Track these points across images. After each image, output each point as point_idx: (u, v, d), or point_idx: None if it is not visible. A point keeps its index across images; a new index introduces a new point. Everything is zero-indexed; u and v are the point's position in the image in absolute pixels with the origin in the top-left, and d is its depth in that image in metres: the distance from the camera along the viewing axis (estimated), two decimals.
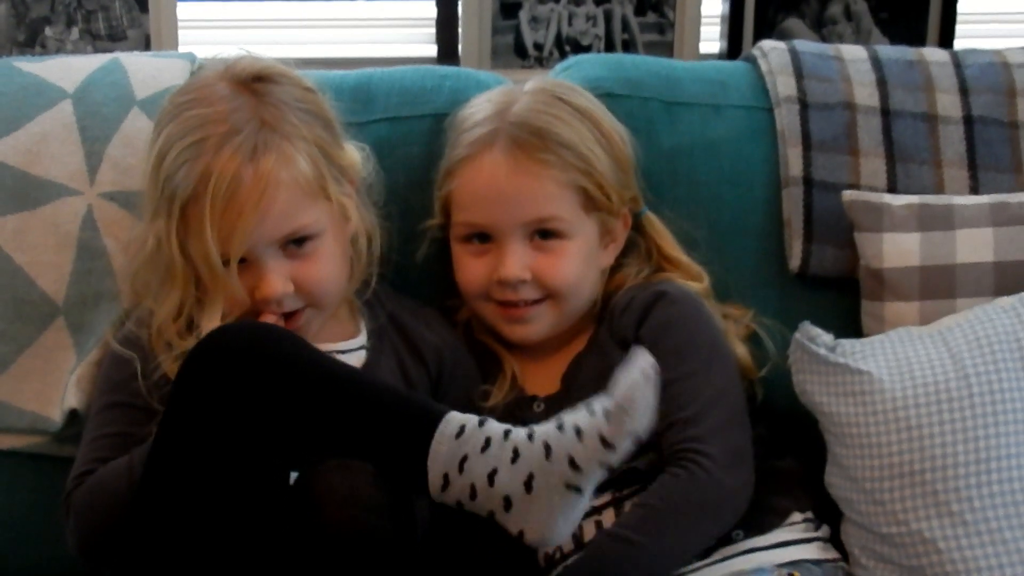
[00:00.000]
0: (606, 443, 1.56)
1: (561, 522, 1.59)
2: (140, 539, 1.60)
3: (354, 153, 1.89)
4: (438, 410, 1.64)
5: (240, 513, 1.59)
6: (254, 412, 1.59)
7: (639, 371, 1.57)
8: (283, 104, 1.80)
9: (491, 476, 1.58)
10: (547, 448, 1.58)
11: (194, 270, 1.78)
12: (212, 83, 1.81)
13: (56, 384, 1.93)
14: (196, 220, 1.73)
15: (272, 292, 1.76)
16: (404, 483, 1.61)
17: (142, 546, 1.60)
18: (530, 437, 1.60)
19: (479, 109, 1.94)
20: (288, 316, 1.80)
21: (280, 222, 1.76)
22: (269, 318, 1.78)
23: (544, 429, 1.60)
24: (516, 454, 1.59)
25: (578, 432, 1.58)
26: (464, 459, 1.59)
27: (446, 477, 1.59)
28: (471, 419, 1.62)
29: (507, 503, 1.58)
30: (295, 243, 1.78)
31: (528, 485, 1.58)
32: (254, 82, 1.81)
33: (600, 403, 1.58)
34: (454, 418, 1.62)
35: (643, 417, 1.57)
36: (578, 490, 1.58)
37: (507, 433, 1.61)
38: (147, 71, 2.05)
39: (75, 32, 2.81)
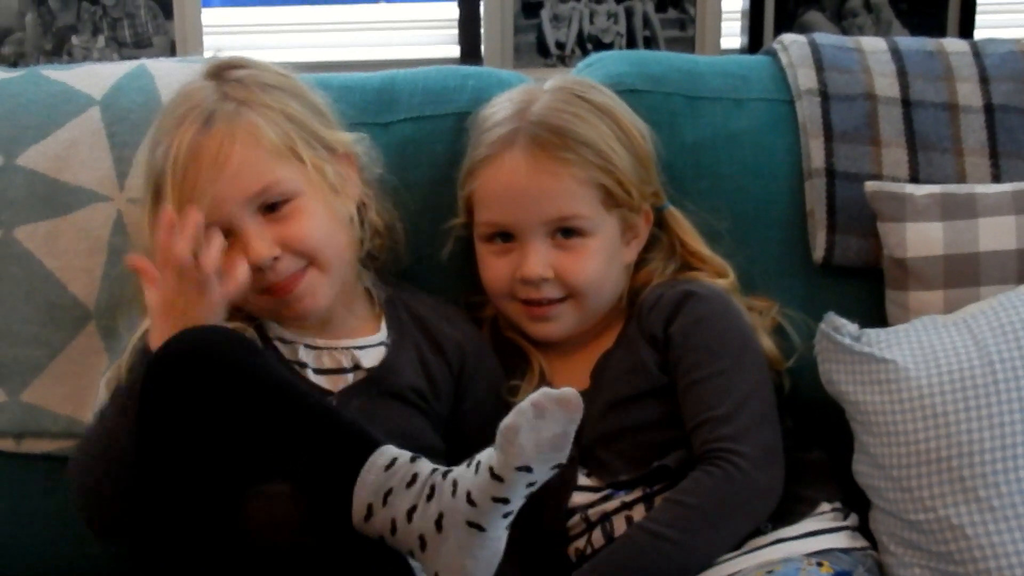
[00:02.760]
0: (494, 475, 1.54)
1: (470, 564, 1.56)
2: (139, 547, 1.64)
3: (346, 135, 1.90)
4: (375, 439, 1.62)
5: (189, 519, 1.60)
6: (200, 417, 1.60)
7: (529, 401, 1.52)
8: (248, 80, 1.83)
9: (410, 512, 1.57)
10: (454, 485, 1.56)
11: None
12: (192, 80, 1.85)
13: (90, 388, 1.95)
14: (165, 192, 1.75)
15: (257, 254, 1.76)
16: (329, 507, 1.60)
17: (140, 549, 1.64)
18: (445, 475, 1.58)
19: (500, 109, 1.95)
20: (294, 276, 1.79)
21: (243, 179, 1.76)
22: (283, 291, 1.78)
23: (459, 467, 1.58)
24: (432, 491, 1.57)
25: (476, 467, 1.56)
26: (389, 492, 1.58)
27: (370, 508, 1.58)
28: (405, 454, 1.60)
29: (422, 542, 1.57)
30: (271, 208, 1.78)
31: (439, 524, 1.56)
32: (223, 70, 1.84)
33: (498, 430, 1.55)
34: (388, 451, 1.61)
35: (530, 451, 1.52)
36: (480, 528, 1.55)
37: (433, 471, 1.59)
38: (173, 76, 2.05)
39: (101, 40, 2.83)
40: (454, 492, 1.56)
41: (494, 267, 1.93)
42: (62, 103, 2.03)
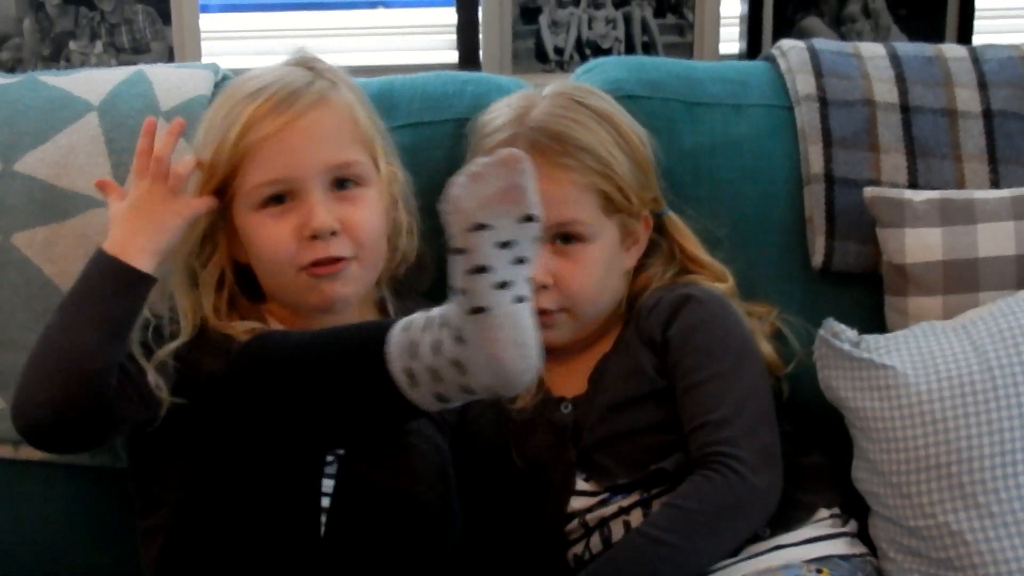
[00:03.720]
0: (457, 250, 1.52)
1: (505, 352, 1.52)
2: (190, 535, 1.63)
3: (402, 169, 1.93)
4: (389, 322, 1.61)
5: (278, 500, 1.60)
6: (277, 409, 1.60)
7: (462, 172, 1.53)
8: (339, 73, 1.89)
9: (435, 347, 1.55)
10: (450, 294, 1.55)
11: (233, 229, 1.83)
12: (277, 67, 1.89)
13: None
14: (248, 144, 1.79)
15: (320, 222, 1.78)
16: (383, 405, 1.58)
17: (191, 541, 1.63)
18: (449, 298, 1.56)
19: (499, 114, 1.95)
20: (338, 262, 1.80)
21: (328, 147, 1.80)
22: (324, 274, 1.79)
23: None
24: (443, 318, 1.55)
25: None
26: (414, 345, 1.55)
27: (410, 373, 1.56)
28: (414, 316, 1.59)
29: (458, 366, 1.54)
30: (340, 185, 1.81)
31: (458, 339, 1.53)
32: (312, 61, 1.89)
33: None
34: (400, 320, 1.59)
35: (472, 206, 1.51)
36: (481, 310, 1.51)
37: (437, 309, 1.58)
38: (172, 82, 2.06)
39: (99, 46, 2.83)
40: (450, 300, 1.55)
41: None
42: (60, 109, 2.03)
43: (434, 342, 1.54)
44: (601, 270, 1.91)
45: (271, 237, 1.80)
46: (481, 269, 1.51)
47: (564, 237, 1.89)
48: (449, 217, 1.53)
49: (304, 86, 1.83)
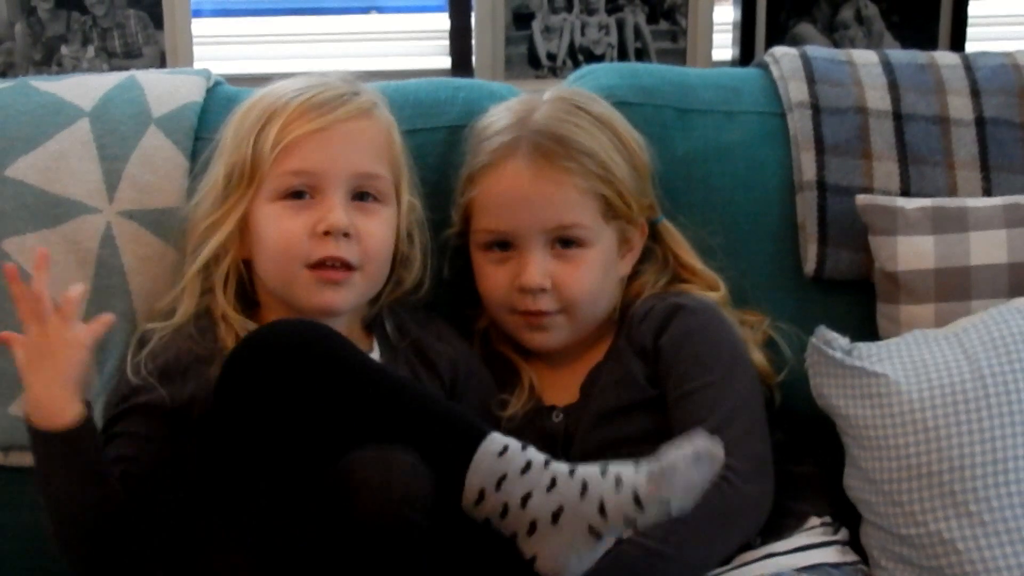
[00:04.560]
0: (638, 501, 1.56)
1: (575, 560, 1.60)
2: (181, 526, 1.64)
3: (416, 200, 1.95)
4: (483, 426, 1.65)
5: (286, 507, 1.60)
6: (302, 411, 1.61)
7: (692, 448, 1.56)
8: (382, 102, 1.92)
9: (525, 499, 1.59)
10: (584, 487, 1.58)
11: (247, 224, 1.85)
12: (319, 76, 1.91)
13: None
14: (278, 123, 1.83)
15: (337, 218, 1.79)
16: (441, 489, 1.60)
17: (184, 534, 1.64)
18: (571, 472, 1.60)
19: (500, 118, 1.95)
20: (339, 270, 1.81)
21: (362, 155, 1.84)
22: (329, 280, 1.80)
23: (586, 469, 1.60)
24: (553, 483, 1.59)
25: (617, 482, 1.58)
26: (503, 478, 1.60)
27: (482, 492, 1.60)
28: (514, 442, 1.63)
29: (532, 527, 1.59)
30: (361, 197, 1.83)
31: (556, 516, 1.58)
32: (355, 80, 1.93)
33: (647, 463, 1.58)
34: (498, 437, 1.63)
35: (679, 491, 1.56)
36: (599, 536, 1.59)
37: (547, 462, 1.62)
38: (163, 88, 2.06)
39: (91, 50, 2.82)
40: (583, 494, 1.58)
41: (492, 276, 1.93)
42: (51, 114, 2.02)
43: (527, 493, 1.59)
44: (599, 275, 1.92)
45: (286, 229, 1.81)
46: (633, 523, 1.59)
47: (563, 241, 1.90)
48: (658, 475, 1.57)
49: (350, 95, 1.86)
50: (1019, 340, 1.84)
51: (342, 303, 1.83)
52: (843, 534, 1.87)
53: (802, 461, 1.92)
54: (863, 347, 1.90)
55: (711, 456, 1.56)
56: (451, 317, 2.01)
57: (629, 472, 1.58)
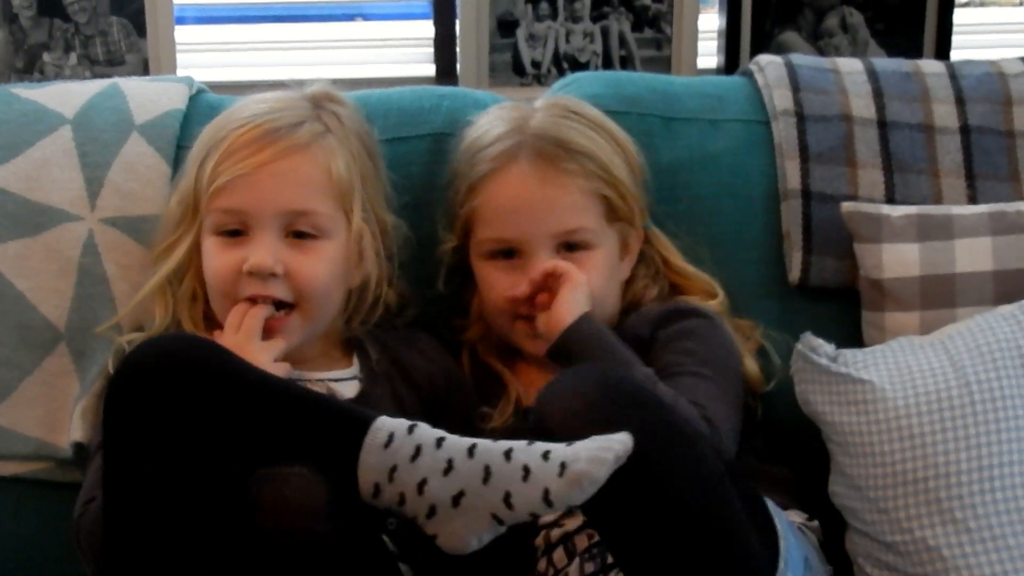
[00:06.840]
0: (547, 500, 1.52)
1: (474, 541, 1.56)
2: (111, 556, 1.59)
3: (392, 217, 1.93)
4: (366, 417, 1.60)
5: (189, 524, 1.56)
6: (190, 424, 1.56)
7: (613, 454, 1.50)
8: (344, 119, 1.89)
9: (420, 486, 1.55)
10: (487, 472, 1.54)
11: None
12: (286, 95, 1.90)
13: (61, 411, 1.94)
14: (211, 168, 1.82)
15: (260, 260, 1.78)
16: (335, 489, 1.57)
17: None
18: (471, 451, 1.55)
19: (494, 126, 1.95)
20: (275, 318, 1.81)
21: (289, 191, 1.81)
22: (257, 312, 1.79)
23: (488, 450, 1.55)
24: (450, 466, 1.55)
25: (526, 473, 1.53)
26: (394, 469, 1.56)
27: (377, 486, 1.56)
28: (400, 426, 1.58)
29: (431, 511, 1.55)
30: (297, 235, 1.82)
31: (456, 500, 1.54)
32: (326, 100, 1.90)
33: (564, 455, 1.52)
34: (383, 425, 1.58)
35: (589, 492, 1.51)
36: (500, 523, 1.55)
37: (440, 441, 1.56)
38: (146, 95, 2.05)
39: (73, 57, 2.81)
40: (485, 480, 1.53)
41: (499, 284, 1.92)
42: (33, 122, 2.02)
43: (423, 480, 1.55)
44: (605, 276, 1.92)
45: (219, 266, 1.82)
46: (537, 518, 1.57)
47: (569, 246, 1.90)
48: (575, 484, 1.51)
49: (291, 127, 1.83)
50: (1004, 347, 1.84)
51: (283, 345, 1.82)
52: (818, 531, 1.85)
53: (777, 465, 1.91)
54: (849, 354, 1.90)
55: (624, 454, 1.51)
56: (442, 332, 2.01)
57: (540, 465, 1.52)
